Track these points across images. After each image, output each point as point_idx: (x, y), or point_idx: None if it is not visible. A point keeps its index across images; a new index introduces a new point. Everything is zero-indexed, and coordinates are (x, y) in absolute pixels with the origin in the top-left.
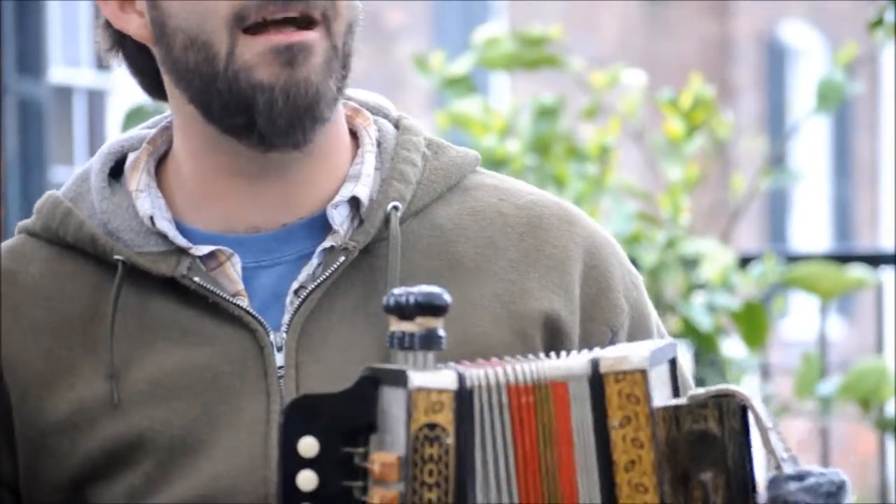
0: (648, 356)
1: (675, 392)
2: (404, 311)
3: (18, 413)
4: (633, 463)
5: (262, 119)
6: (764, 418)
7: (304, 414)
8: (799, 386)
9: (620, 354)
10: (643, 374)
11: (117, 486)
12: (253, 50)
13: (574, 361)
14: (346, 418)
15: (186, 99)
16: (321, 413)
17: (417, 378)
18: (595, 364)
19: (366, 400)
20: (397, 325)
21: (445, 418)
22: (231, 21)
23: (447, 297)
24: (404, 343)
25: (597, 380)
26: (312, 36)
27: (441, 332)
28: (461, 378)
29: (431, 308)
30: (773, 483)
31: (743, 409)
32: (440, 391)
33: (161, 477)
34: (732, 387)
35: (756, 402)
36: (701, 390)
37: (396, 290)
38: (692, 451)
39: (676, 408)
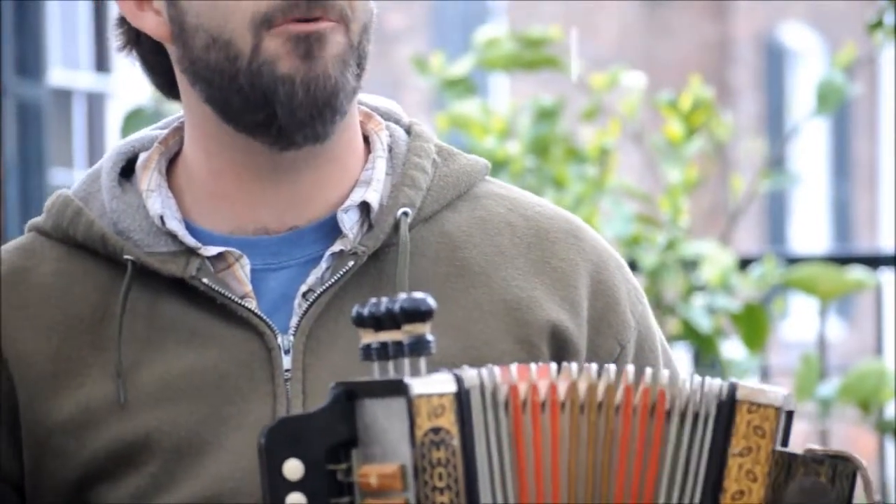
0: (785, 395)
1: (784, 444)
2: (384, 320)
3: (26, 412)
4: (742, 493)
5: (282, 111)
6: (873, 490)
7: (285, 437)
8: (798, 387)
9: (759, 387)
10: (777, 411)
11: (123, 487)
12: (275, 41)
13: (711, 382)
14: (327, 436)
15: (203, 98)
16: (302, 434)
17: (418, 385)
18: (732, 389)
19: (344, 416)
20: (372, 337)
21: (448, 420)
22: (257, 22)
23: (432, 302)
24: (388, 352)
25: (730, 403)
26: (327, 25)
27: (430, 337)
28: (459, 380)
29: (418, 314)
30: None
31: (854, 475)
32: (441, 395)
33: (167, 478)
34: (851, 454)
35: (869, 474)
36: (817, 447)
37: (371, 301)
38: (797, 501)
39: (792, 455)
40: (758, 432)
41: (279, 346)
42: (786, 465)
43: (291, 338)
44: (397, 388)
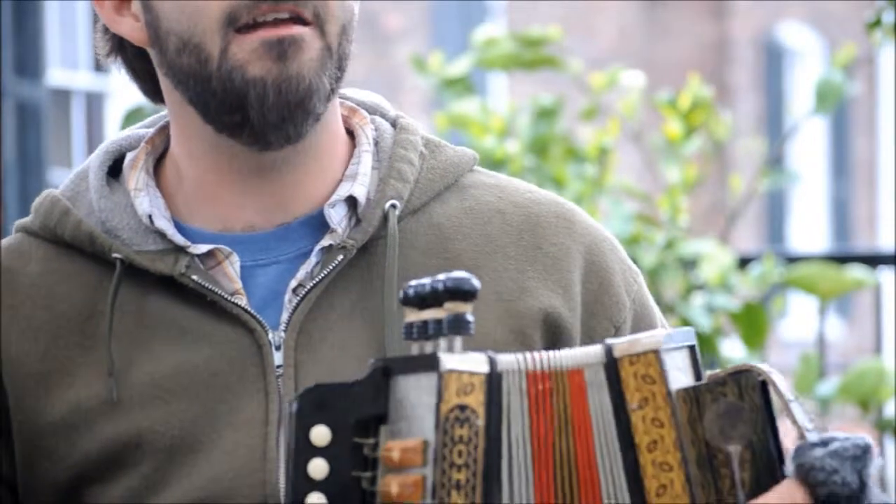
0: (661, 337)
1: (698, 378)
2: (427, 298)
3: (16, 413)
4: (656, 443)
5: (254, 113)
6: (784, 390)
7: (317, 403)
8: (798, 387)
9: (632, 338)
10: (656, 353)
11: (115, 488)
12: (245, 47)
13: (589, 349)
14: (358, 408)
15: (185, 100)
16: (334, 403)
17: (449, 360)
18: (609, 350)
19: (378, 391)
20: (416, 316)
21: (476, 400)
22: (223, 22)
23: (476, 282)
24: (428, 330)
25: (612, 365)
26: (303, 30)
27: (470, 317)
28: (492, 361)
29: (461, 293)
30: (799, 451)
31: (763, 384)
32: (472, 373)
33: (159, 478)
34: (751, 363)
35: (776, 376)
36: (720, 371)
37: (414, 282)
38: (716, 428)
39: (696, 388)
40: (647, 380)
41: (270, 342)
42: (693, 400)
43: (282, 334)
44: (429, 363)
